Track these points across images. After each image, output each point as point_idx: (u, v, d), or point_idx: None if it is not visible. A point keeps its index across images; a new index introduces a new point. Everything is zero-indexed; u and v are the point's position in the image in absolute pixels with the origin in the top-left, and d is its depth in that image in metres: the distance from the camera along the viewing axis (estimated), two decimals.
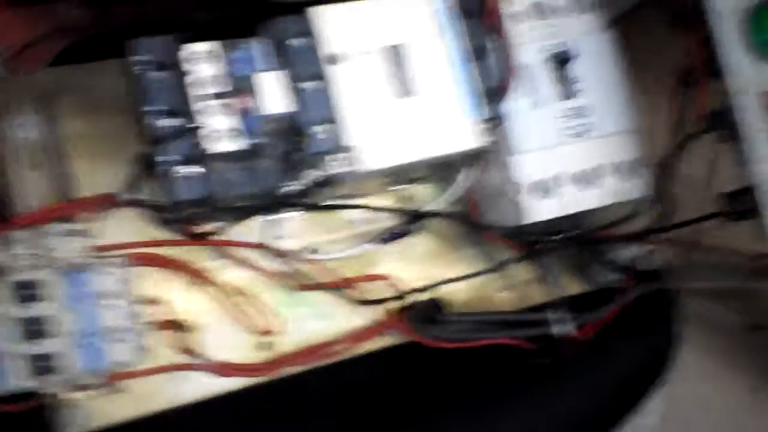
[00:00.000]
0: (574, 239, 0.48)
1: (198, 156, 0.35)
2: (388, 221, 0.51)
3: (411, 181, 0.52)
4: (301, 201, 0.44)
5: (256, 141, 0.35)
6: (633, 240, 0.47)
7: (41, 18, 0.35)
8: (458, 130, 0.39)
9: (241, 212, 0.42)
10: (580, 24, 0.47)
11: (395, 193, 0.52)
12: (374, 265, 0.52)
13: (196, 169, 0.35)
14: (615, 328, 0.60)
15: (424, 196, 0.53)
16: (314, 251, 0.51)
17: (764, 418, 0.78)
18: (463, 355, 0.49)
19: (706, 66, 0.40)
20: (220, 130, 0.35)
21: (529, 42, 0.47)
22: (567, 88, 0.46)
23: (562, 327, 0.47)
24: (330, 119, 0.37)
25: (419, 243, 0.53)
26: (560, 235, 0.47)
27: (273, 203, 0.41)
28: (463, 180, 0.49)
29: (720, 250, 0.48)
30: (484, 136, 0.39)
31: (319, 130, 0.37)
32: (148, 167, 0.36)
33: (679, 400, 1.14)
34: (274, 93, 0.35)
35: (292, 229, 0.51)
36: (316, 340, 0.49)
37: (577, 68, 0.47)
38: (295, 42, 0.38)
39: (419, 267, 0.52)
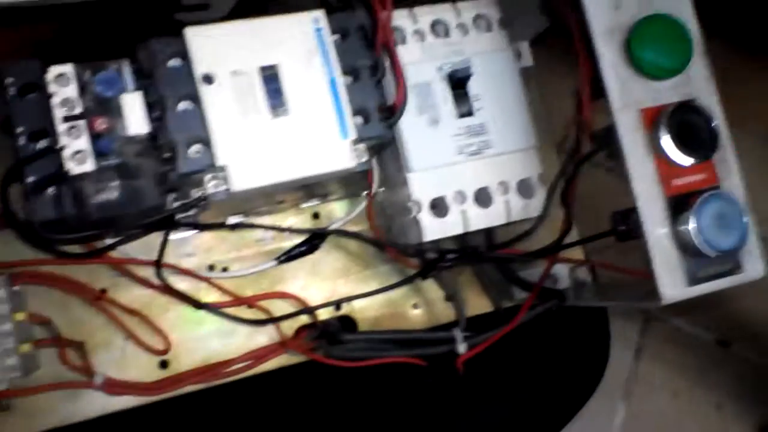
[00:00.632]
0: (473, 257, 0.47)
1: (61, 176, 0.35)
2: (297, 239, 0.50)
3: (323, 197, 0.52)
4: (192, 220, 0.44)
5: (119, 161, 0.35)
6: (532, 258, 0.47)
7: None
8: (333, 151, 0.38)
9: (130, 231, 0.41)
10: (481, 43, 0.47)
11: (308, 209, 0.52)
12: (282, 282, 0.51)
13: (58, 190, 0.35)
14: (549, 343, 0.60)
15: (336, 213, 0.53)
16: (224, 269, 0.50)
17: None
18: (367, 373, 0.49)
19: (592, 86, 0.40)
20: (82, 151, 0.35)
21: (427, 60, 0.46)
22: (466, 105, 0.46)
23: (458, 345, 0.46)
24: (203, 139, 0.37)
25: (329, 260, 0.53)
26: (457, 253, 0.46)
27: (158, 223, 0.41)
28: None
29: (607, 268, 0.48)
30: (360, 157, 0.39)
31: (191, 150, 0.37)
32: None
33: (644, 416, 1.14)
34: (139, 113, 0.35)
35: (201, 246, 0.51)
36: (217, 359, 0.48)
37: (477, 86, 0.47)
38: (169, 62, 0.38)
39: (328, 284, 0.52)
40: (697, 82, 0.39)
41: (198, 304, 0.45)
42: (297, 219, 0.52)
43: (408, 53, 0.46)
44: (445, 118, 0.46)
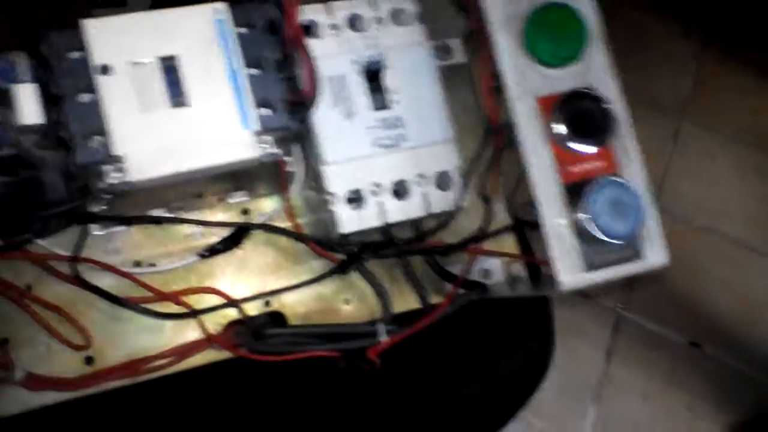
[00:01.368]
0: (393, 250, 0.47)
1: None
2: (225, 234, 0.51)
3: (251, 192, 0.52)
4: (110, 213, 0.44)
5: (15, 152, 0.36)
6: (451, 251, 0.47)
7: None
8: (234, 141, 0.39)
9: (38, 224, 0.42)
10: (398, 36, 0.48)
11: (237, 205, 0.52)
12: (210, 278, 0.51)
13: None
14: (493, 336, 0.60)
15: (265, 208, 0.53)
16: (151, 265, 0.51)
17: None
18: (295, 367, 0.49)
19: (494, 78, 0.40)
20: None
21: (343, 53, 0.47)
22: (381, 98, 0.47)
23: (380, 338, 0.46)
24: (101, 130, 0.37)
25: (258, 256, 0.53)
26: (377, 246, 0.46)
27: (73, 216, 0.41)
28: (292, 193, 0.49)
29: (513, 257, 0.48)
30: (265, 148, 0.39)
31: (89, 141, 0.37)
32: None
33: (614, 418, 1.14)
34: (32, 104, 0.36)
35: (128, 242, 0.51)
36: (143, 355, 0.48)
37: (393, 80, 0.47)
38: (69, 54, 0.38)
39: (258, 279, 0.52)
40: (596, 71, 0.39)
41: (114, 300, 0.45)
42: (226, 215, 0.52)
43: (323, 46, 0.46)
44: (361, 110, 0.46)
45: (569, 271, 0.37)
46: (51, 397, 0.46)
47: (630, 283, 1.25)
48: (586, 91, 0.38)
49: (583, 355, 1.19)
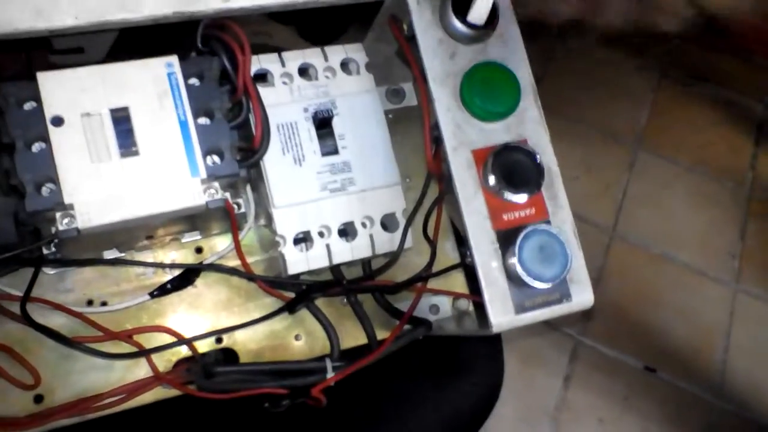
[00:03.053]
0: (339, 288, 0.49)
1: None
2: (178, 272, 0.52)
3: (204, 232, 0.54)
4: (61, 257, 0.45)
5: None
6: (396, 290, 0.49)
7: None
8: (183, 189, 0.40)
9: None
10: (347, 85, 0.50)
11: (191, 243, 0.54)
12: (162, 316, 0.53)
13: None
14: (445, 367, 0.62)
15: (218, 247, 0.54)
16: (103, 303, 0.51)
17: None
18: (246, 404, 0.50)
19: (435, 129, 0.42)
20: None
21: (295, 101, 0.49)
22: (330, 144, 0.49)
23: (328, 375, 0.48)
24: (52, 179, 0.39)
25: (211, 294, 0.54)
26: (324, 286, 0.48)
27: (22, 259, 0.42)
28: (244, 233, 0.51)
29: (457, 295, 0.50)
30: (213, 194, 0.41)
31: (40, 189, 0.39)
32: None
33: None
34: None
35: (79, 281, 0.52)
36: (93, 393, 0.49)
37: (342, 126, 0.49)
38: (23, 105, 0.39)
39: (210, 317, 0.53)
40: (529, 124, 0.42)
41: (63, 340, 0.46)
42: (179, 253, 0.53)
43: (275, 95, 0.49)
44: (310, 156, 0.48)
45: (500, 313, 0.39)
46: None
47: (588, 310, 1.28)
48: (517, 144, 0.41)
49: (542, 381, 1.22)
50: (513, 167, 0.40)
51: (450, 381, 0.62)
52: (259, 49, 0.49)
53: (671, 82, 1.62)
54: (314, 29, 0.83)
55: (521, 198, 0.40)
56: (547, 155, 0.42)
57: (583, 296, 0.41)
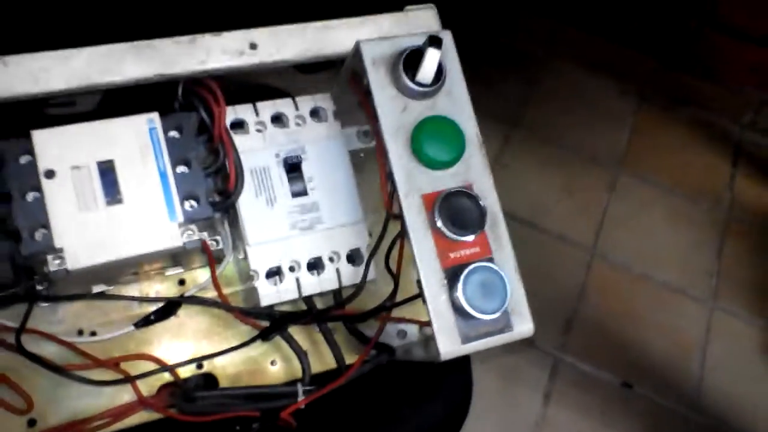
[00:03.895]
0: (310, 317, 0.53)
1: None
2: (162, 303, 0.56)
3: (186, 266, 0.58)
4: (52, 293, 0.50)
5: None
6: (362, 318, 0.53)
7: None
8: (162, 232, 0.45)
9: None
10: (316, 132, 0.55)
11: (174, 276, 0.58)
12: (148, 345, 0.57)
13: None
14: (415, 388, 0.66)
15: (199, 279, 0.59)
16: (92, 333, 0.56)
17: None
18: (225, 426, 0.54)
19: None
20: None
21: (267, 148, 0.54)
22: (299, 186, 0.53)
23: (299, 398, 0.52)
24: (44, 225, 0.43)
25: (193, 323, 0.58)
26: (296, 316, 0.53)
27: (18, 296, 0.46)
28: (223, 266, 0.55)
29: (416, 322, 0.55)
30: (190, 236, 0.45)
31: (34, 234, 0.43)
32: None
33: None
34: None
35: (70, 313, 0.56)
36: (82, 416, 0.53)
37: (310, 169, 0.54)
38: (19, 159, 0.44)
39: (192, 345, 0.58)
40: (475, 170, 0.47)
41: (53, 368, 0.50)
42: (163, 285, 0.58)
43: (249, 142, 0.53)
44: (281, 198, 0.53)
45: (448, 343, 0.44)
46: None
47: (567, 328, 1.32)
48: (462, 189, 0.45)
49: (522, 398, 1.25)
50: (458, 210, 0.44)
51: (420, 401, 0.66)
52: (245, 89, 0.54)
53: (651, 106, 1.67)
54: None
55: (467, 238, 0.45)
56: (490, 198, 0.46)
57: (523, 326, 0.45)
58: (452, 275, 0.45)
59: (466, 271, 0.43)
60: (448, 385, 0.68)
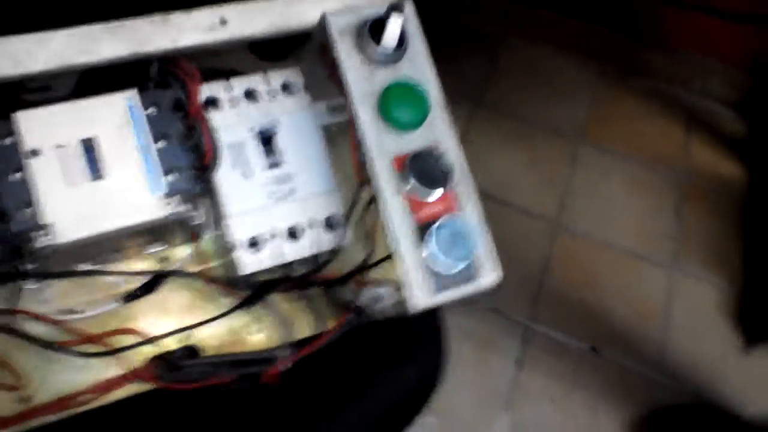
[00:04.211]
0: (289, 284, 0.56)
1: None
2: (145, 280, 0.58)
3: (167, 243, 0.60)
4: (41, 270, 0.51)
5: None
6: (338, 282, 0.56)
7: None
8: (145, 204, 0.47)
9: None
10: (286, 105, 0.57)
11: (156, 254, 0.60)
12: (133, 320, 0.59)
13: None
14: (391, 353, 0.69)
15: (180, 255, 0.61)
16: (81, 311, 0.58)
17: None
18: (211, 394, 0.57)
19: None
20: None
21: (241, 123, 0.56)
22: (273, 158, 0.56)
23: (279, 362, 0.54)
24: (30, 203, 0.45)
25: (176, 298, 0.60)
26: (275, 283, 0.55)
27: (6, 274, 0.48)
28: (204, 240, 0.57)
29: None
30: (173, 208, 0.47)
31: (21, 212, 0.45)
32: None
33: (525, 424, 1.24)
34: None
35: (56, 292, 0.58)
36: (72, 391, 0.55)
37: (283, 142, 0.56)
38: (3, 141, 0.46)
39: (176, 319, 0.60)
40: (439, 131, 0.50)
41: (44, 344, 0.52)
42: (145, 263, 0.60)
43: (223, 118, 0.55)
44: (256, 170, 0.55)
45: (422, 295, 0.47)
46: None
47: (535, 299, 1.37)
48: (429, 149, 0.48)
49: (495, 365, 1.30)
50: (426, 169, 0.47)
51: (394, 360, 0.69)
52: (216, 72, 0.56)
53: (608, 78, 1.72)
54: (266, 47, 0.90)
55: (435, 195, 0.48)
56: (456, 156, 0.49)
57: (488, 276, 0.48)
58: (423, 231, 0.47)
59: (434, 226, 0.46)
60: (421, 350, 0.71)
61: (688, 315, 1.42)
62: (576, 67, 1.71)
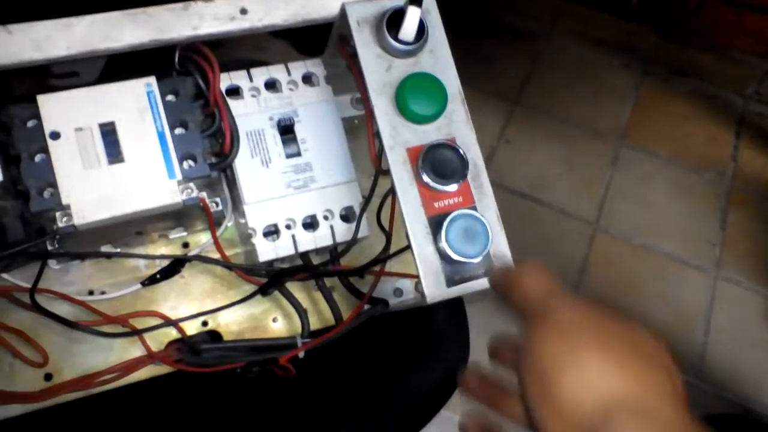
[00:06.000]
0: (306, 273, 0.56)
1: None
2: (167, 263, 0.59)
3: (189, 229, 0.61)
4: (64, 251, 0.53)
5: None
6: (355, 273, 0.56)
7: None
8: (162, 189, 0.48)
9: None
10: (308, 96, 0.57)
11: (178, 239, 0.61)
12: (155, 303, 0.60)
13: None
14: (415, 345, 0.69)
15: (202, 241, 0.61)
16: (103, 293, 0.59)
17: None
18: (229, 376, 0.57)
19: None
20: None
21: (261, 112, 0.56)
22: (293, 148, 0.56)
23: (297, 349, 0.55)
24: (51, 184, 0.46)
25: (197, 282, 0.61)
26: (293, 272, 0.55)
27: (31, 253, 0.50)
28: (223, 228, 0.58)
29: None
30: (189, 193, 0.48)
31: (42, 193, 0.46)
32: None
33: None
34: None
35: (81, 274, 0.59)
36: (94, 371, 0.56)
37: (303, 131, 0.56)
38: (26, 123, 0.47)
39: (196, 303, 0.61)
40: (457, 124, 0.49)
41: (68, 323, 0.54)
42: (167, 248, 0.61)
43: (244, 106, 0.56)
44: (275, 159, 0.55)
45: (434, 287, 0.46)
46: (15, 409, 0.54)
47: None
48: (445, 141, 0.48)
49: None
50: (441, 161, 0.47)
51: (420, 356, 0.69)
52: (253, 64, 0.57)
53: (653, 79, 1.68)
54: (307, 42, 0.91)
55: (450, 188, 0.47)
56: (472, 150, 0.49)
57: None
58: (437, 223, 0.47)
59: (449, 218, 0.46)
60: (446, 346, 0.71)
61: (730, 322, 1.38)
62: (620, 68, 1.67)
